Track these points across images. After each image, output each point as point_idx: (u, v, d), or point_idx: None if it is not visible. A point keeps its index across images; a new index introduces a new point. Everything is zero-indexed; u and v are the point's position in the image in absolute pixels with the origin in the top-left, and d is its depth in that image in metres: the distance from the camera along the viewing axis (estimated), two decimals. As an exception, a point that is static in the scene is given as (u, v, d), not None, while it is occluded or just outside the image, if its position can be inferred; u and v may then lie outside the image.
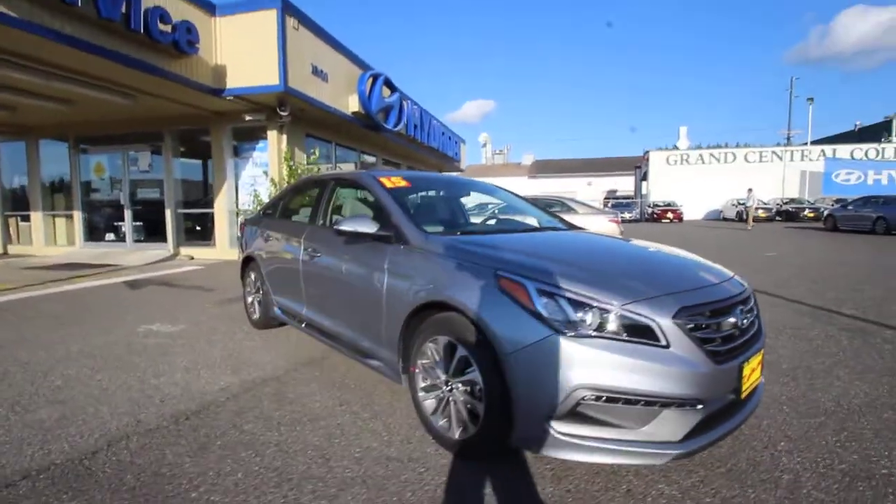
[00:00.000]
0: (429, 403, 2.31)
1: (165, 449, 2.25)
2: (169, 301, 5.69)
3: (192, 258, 9.58)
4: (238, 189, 9.44)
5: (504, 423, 1.92)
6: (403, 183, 3.13)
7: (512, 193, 3.99)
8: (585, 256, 2.28)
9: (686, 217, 29.99)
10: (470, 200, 4.42)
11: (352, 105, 9.88)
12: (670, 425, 1.73)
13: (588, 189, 44.91)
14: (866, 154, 29.93)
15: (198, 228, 9.92)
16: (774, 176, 31.73)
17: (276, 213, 4.28)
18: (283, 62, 7.32)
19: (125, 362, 3.49)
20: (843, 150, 30.67)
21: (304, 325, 3.49)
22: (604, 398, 1.72)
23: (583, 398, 1.72)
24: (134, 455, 2.19)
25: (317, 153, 9.16)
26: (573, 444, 1.75)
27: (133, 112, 8.38)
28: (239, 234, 5.19)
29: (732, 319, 1.95)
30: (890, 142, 31.43)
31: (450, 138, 17.94)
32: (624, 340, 1.74)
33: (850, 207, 18.18)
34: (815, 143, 33.58)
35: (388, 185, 3.04)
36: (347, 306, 2.88)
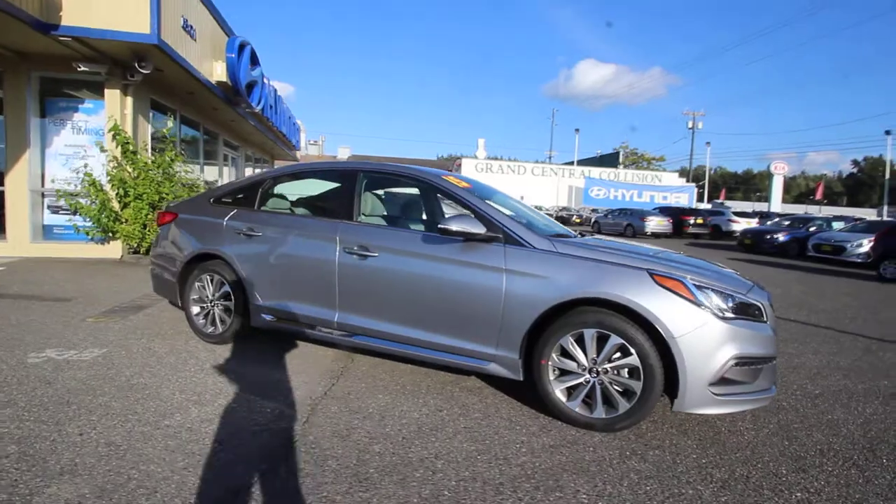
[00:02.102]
0: (560, 392, 2.53)
1: (321, 489, 1.88)
2: (19, 320, 4.00)
3: (-41, 255, 6.59)
4: (45, 161, 6.93)
5: (658, 396, 2.33)
6: (465, 184, 3.15)
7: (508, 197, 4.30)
8: (678, 258, 2.84)
9: (492, 217, 34.62)
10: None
11: (217, 73, 8.36)
12: (767, 377, 2.44)
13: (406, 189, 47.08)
14: (609, 176, 40.09)
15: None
16: (551, 188, 39.46)
17: (255, 203, 3.58)
18: (156, 7, 5.77)
19: (83, 406, 2.50)
20: (596, 172, 40.34)
21: (333, 332, 3.12)
22: (740, 363, 2.31)
23: (732, 365, 2.28)
24: (289, 506, 1.78)
25: (169, 125, 7.46)
26: (721, 401, 2.30)
27: None
28: (157, 224, 4.09)
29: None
30: (619, 167, 42.91)
31: (294, 123, 16.61)
32: (749, 319, 2.37)
33: (609, 217, 24.34)
34: (580, 163, 43.20)
35: (462, 185, 3.03)
36: (437, 308, 2.78)
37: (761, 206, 38.20)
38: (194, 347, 3.50)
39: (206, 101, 9.21)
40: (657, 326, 2.29)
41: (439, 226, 2.67)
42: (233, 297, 3.47)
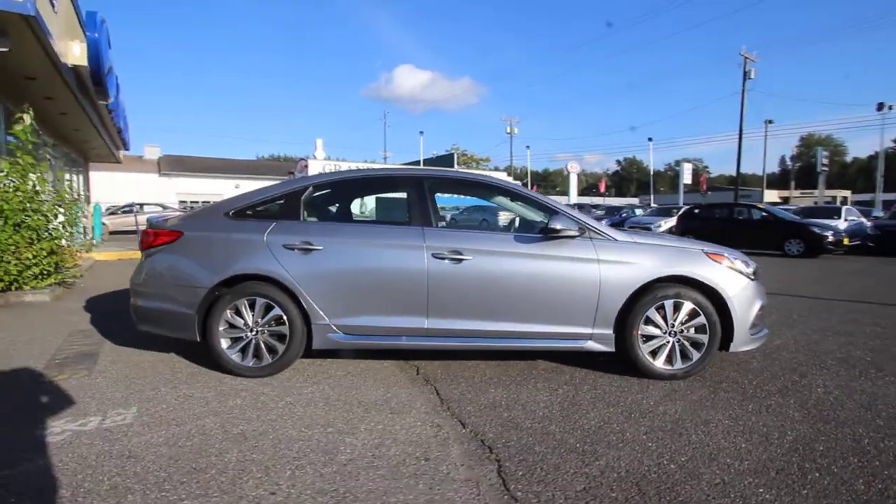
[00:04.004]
0: (647, 354, 3.14)
1: (562, 468, 2.11)
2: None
3: None
4: None
5: (718, 343, 3.13)
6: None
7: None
8: (685, 239, 3.71)
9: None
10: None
11: (73, 55, 6.62)
12: (766, 319, 3.48)
13: (237, 192, 42.45)
14: (451, 175, 43.36)
15: None
16: (400, 187, 40.80)
17: (300, 214, 3.27)
18: (30, -31, 4.40)
19: (225, 468, 2.13)
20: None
21: (421, 339, 3.16)
22: (761, 310, 3.26)
23: (758, 312, 3.21)
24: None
25: (27, 121, 5.71)
26: (753, 340, 3.22)
27: None
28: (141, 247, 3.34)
29: None
30: (456, 167, 46.85)
31: (125, 118, 13.71)
32: (759, 279, 3.35)
33: (465, 213, 26.48)
34: (425, 163, 45.54)
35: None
36: (537, 300, 3.09)
37: (562, 199, 46.31)
38: (241, 384, 3.05)
39: (43, 90, 7.16)
40: (719, 291, 3.08)
41: (549, 225, 3.02)
42: (287, 321, 3.14)
